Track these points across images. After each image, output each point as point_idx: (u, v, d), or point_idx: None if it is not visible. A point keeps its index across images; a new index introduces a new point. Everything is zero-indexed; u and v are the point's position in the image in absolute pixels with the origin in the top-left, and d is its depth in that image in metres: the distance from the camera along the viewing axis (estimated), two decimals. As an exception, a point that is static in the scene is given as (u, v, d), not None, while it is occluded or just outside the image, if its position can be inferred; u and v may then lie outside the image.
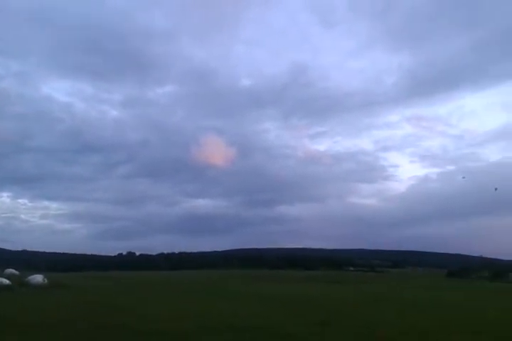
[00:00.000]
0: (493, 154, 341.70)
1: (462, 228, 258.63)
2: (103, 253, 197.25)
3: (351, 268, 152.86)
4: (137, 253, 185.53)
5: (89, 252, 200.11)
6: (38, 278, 45.36)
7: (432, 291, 48.68)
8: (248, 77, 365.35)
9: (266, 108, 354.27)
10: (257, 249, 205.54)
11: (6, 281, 41.01)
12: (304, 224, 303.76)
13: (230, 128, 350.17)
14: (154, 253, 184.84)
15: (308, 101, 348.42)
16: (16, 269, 66.04)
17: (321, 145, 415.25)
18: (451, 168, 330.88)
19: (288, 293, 37.38)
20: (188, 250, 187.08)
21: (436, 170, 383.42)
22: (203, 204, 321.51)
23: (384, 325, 17.69)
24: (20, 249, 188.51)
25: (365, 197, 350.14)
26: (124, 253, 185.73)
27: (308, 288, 48.31)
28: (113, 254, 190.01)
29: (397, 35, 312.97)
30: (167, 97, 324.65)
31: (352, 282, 66.67)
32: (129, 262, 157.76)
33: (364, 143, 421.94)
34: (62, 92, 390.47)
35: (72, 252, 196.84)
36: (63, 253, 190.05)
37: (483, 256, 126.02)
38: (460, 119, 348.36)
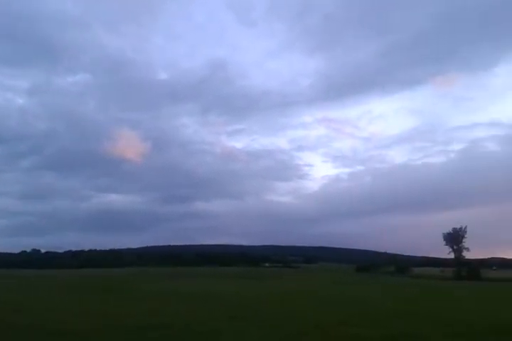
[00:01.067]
0: (398, 156, 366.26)
1: (369, 225, 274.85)
2: (5, 251, 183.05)
3: (267, 264, 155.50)
4: (43, 251, 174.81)
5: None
6: None
7: (342, 286, 50.65)
8: (165, 70, 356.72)
9: (184, 102, 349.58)
10: (173, 246, 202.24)
11: None
12: (222, 221, 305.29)
13: (145, 121, 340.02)
14: (61, 250, 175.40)
15: (227, 98, 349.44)
16: None
17: (239, 143, 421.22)
18: (360, 168, 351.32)
19: (203, 290, 36.66)
20: (99, 247, 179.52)
21: (346, 170, 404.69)
22: (115, 199, 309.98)
23: (296, 319, 17.80)
24: None
25: (281, 195, 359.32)
26: (29, 250, 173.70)
27: (225, 284, 47.93)
28: (16, 251, 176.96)
29: (314, 38, 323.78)
30: (79, 86, 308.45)
31: (267, 278, 67.46)
32: (33, 260, 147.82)
33: (280, 142, 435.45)
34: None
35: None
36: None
37: (388, 252, 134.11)
38: (369, 122, 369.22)
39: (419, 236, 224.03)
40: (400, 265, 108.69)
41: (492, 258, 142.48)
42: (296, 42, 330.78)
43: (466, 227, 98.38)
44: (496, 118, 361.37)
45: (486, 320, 18.38)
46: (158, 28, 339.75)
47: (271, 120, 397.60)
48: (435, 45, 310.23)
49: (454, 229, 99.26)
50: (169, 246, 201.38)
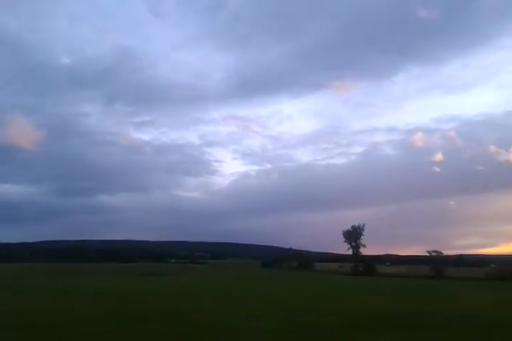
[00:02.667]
0: (304, 156, 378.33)
1: (276, 222, 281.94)
2: None
3: (173, 261, 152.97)
4: None
5: None
6: None
7: (246, 280, 51.02)
8: (68, 55, 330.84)
9: (87, 90, 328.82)
10: (72, 240, 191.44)
11: None
12: (127, 216, 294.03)
13: (44, 107, 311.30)
14: None
15: (135, 88, 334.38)
16: None
17: (147, 135, 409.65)
18: (268, 166, 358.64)
19: (103, 287, 34.66)
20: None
21: (255, 167, 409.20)
22: (7, 190, 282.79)
23: (199, 314, 17.28)
24: None
25: (190, 190, 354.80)
26: None
27: (126, 281, 45.88)
28: None
29: (225, 34, 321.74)
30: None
31: (171, 274, 66.10)
32: None
33: (190, 136, 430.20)
34: None
35: None
36: None
37: (293, 248, 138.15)
38: (278, 122, 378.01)
39: (323, 233, 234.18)
40: (303, 260, 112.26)
41: (386, 254, 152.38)
42: (207, 36, 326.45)
43: (363, 225, 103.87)
44: (393, 124, 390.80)
45: (383, 312, 19.27)
46: (61, 11, 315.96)
47: (181, 113, 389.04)
48: (339, 51, 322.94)
49: (353, 227, 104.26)
50: (68, 241, 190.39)
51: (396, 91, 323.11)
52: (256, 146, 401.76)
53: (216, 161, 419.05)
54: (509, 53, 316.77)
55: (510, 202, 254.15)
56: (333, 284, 49.16)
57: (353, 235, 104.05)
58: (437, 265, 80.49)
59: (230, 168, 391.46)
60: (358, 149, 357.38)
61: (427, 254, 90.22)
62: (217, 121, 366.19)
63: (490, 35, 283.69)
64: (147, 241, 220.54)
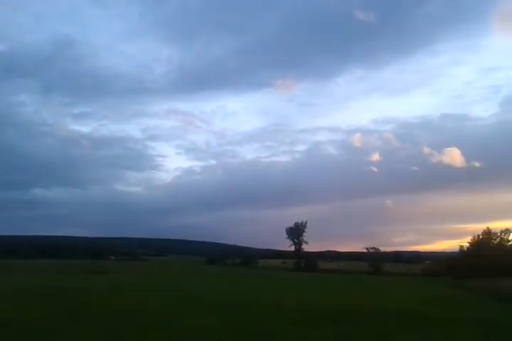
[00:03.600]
0: (248, 153, 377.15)
1: (221, 218, 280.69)
2: None
3: (113, 257, 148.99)
4: None
5: None
6: None
7: (190, 277, 50.66)
8: (3, 42, 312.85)
9: (23, 78, 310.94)
10: (5, 236, 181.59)
11: None
12: (64, 211, 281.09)
13: None
14: None
15: (74, 78, 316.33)
16: None
17: (86, 127, 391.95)
18: (213, 162, 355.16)
19: (39, 285, 32.97)
20: None
21: (199, 163, 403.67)
22: None
23: (143, 311, 17.10)
24: None
25: (132, 185, 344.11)
26: None
27: (63, 278, 44.03)
28: None
29: (168, 27, 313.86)
30: None
31: (111, 271, 64.24)
32: None
33: (132, 129, 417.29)
34: None
35: None
36: None
37: (238, 244, 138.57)
38: (223, 118, 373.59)
39: (267, 230, 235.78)
40: (247, 257, 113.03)
41: (327, 251, 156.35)
42: (150, 28, 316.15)
43: (306, 222, 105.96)
44: (335, 124, 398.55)
45: (326, 307, 19.72)
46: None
47: (123, 106, 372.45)
48: (284, 50, 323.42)
49: (296, 224, 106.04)
50: (0, 236, 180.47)
51: (339, 92, 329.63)
52: (200, 142, 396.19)
53: (159, 156, 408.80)
54: (445, 58, 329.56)
55: (443, 201, 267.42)
56: (274, 280, 49.76)
57: (296, 232, 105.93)
58: (375, 261, 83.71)
59: (173, 163, 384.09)
60: (302, 147, 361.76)
61: (365, 251, 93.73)
62: (160, 114, 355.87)
63: (428, 40, 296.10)
64: (85, 237, 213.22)
